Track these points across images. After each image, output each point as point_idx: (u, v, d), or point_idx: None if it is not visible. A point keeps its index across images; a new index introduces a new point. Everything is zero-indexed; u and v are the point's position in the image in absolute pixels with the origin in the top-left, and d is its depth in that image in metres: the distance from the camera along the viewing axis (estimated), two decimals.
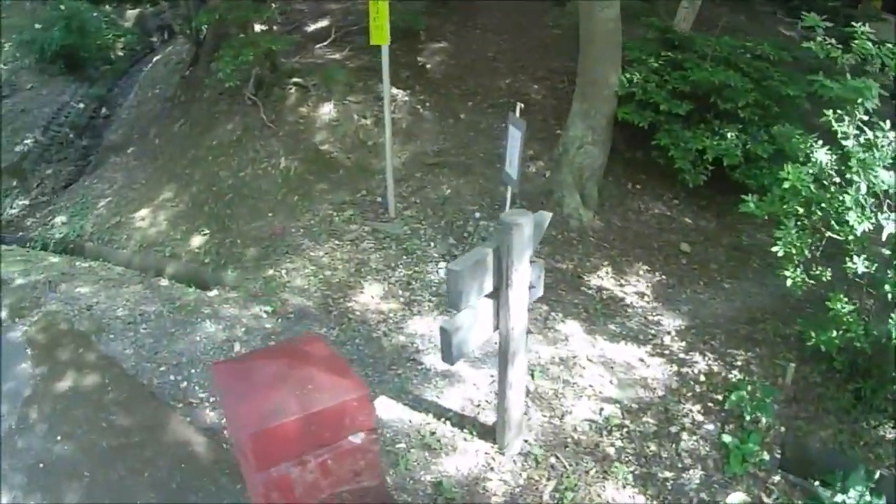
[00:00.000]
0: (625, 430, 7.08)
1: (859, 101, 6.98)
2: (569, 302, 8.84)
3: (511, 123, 8.52)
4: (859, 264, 6.45)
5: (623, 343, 8.13)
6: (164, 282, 9.99)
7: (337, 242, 9.88)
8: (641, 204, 10.83)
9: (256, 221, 10.78)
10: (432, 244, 9.73)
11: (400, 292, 9.00)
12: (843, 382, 7.25)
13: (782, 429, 6.85)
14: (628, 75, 10.26)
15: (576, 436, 6.86)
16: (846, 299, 6.46)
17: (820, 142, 7.03)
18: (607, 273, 9.42)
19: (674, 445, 6.77)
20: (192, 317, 8.51)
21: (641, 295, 9.11)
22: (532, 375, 7.60)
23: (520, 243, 5.54)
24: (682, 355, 7.97)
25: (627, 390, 7.59)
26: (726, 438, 6.71)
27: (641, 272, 9.51)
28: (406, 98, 12.71)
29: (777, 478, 6.44)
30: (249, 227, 10.69)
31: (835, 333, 6.46)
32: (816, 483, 6.29)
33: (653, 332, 8.43)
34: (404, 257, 9.55)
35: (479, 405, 7.28)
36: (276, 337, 8.18)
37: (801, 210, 7.01)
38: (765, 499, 6.29)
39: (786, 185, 6.81)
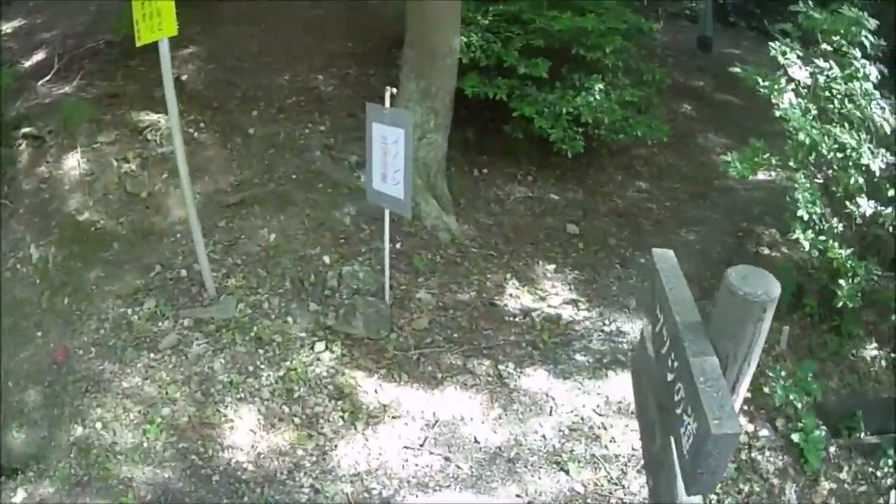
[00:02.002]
0: None
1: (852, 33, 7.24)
2: (508, 342, 7.42)
3: (374, 119, 6.65)
4: (865, 205, 6.74)
5: (618, 373, 7.17)
6: None
7: (153, 356, 6.97)
8: (498, 191, 9.74)
9: (24, 348, 7.28)
10: (289, 319, 7.36)
11: (286, 409, 6.64)
12: (819, 325, 7.72)
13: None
14: (465, 38, 8.94)
15: None
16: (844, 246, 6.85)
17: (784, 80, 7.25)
18: (517, 288, 8.16)
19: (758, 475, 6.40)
20: None
21: (574, 303, 8.09)
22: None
23: None
24: None
25: None
26: (794, 437, 6.59)
27: (549, 274, 8.50)
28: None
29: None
30: (18, 360, 7.16)
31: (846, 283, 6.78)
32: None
33: (626, 345, 7.52)
34: (260, 351, 7.06)
35: None
36: None
37: (810, 159, 7.05)
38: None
39: (800, 136, 6.72)
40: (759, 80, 7.17)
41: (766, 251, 9.50)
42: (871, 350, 7.73)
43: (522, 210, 9.45)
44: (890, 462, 6.51)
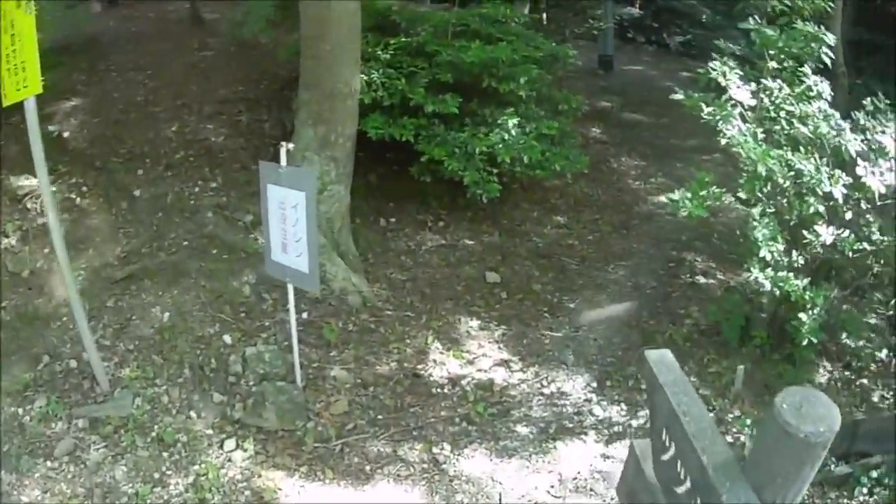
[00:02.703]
0: None
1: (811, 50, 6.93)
2: (440, 419, 6.73)
3: (270, 180, 6.02)
4: (825, 234, 6.42)
5: (567, 444, 6.56)
6: None
7: (50, 465, 5.96)
8: (409, 241, 9.17)
9: None
10: (192, 414, 6.47)
11: None
12: (771, 354, 7.47)
13: None
14: (365, 76, 8.44)
15: None
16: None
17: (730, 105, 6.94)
18: (441, 352, 7.52)
19: None
20: None
21: (506, 364, 7.50)
22: None
23: None
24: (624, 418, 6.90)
25: None
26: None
27: (474, 331, 7.92)
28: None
29: None
30: None
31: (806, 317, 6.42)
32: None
33: (571, 407, 6.99)
34: (165, 455, 6.13)
35: None
36: None
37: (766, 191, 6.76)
38: None
39: (759, 168, 6.33)
40: (703, 107, 6.82)
41: (702, 280, 9.26)
42: (824, 374, 7.57)
43: (437, 260, 8.89)
44: (864, 490, 6.24)
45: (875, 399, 7.32)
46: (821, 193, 6.28)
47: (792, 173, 6.32)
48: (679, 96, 7.15)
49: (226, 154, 9.29)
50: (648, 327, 8.07)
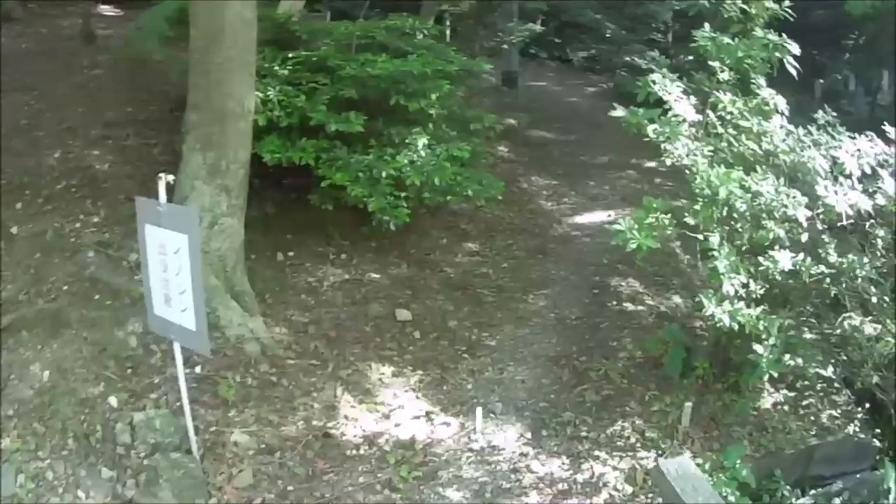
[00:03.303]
0: None
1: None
2: (358, 486, 5.95)
3: (148, 220, 5.27)
4: (785, 260, 5.90)
5: None
6: None
7: None
8: (310, 277, 8.41)
9: None
10: (80, 494, 5.52)
11: None
12: (715, 384, 7.10)
13: None
14: (260, 94, 7.71)
15: None
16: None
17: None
18: (352, 405, 6.79)
19: None
20: None
21: (427, 416, 6.81)
22: None
23: None
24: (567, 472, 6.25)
25: None
26: None
27: (387, 379, 7.23)
28: None
29: None
30: None
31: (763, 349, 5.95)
32: None
33: (506, 464, 6.31)
34: None
35: None
36: None
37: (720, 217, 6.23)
38: None
39: (721, 193, 5.86)
40: (648, 123, 6.27)
41: (631, 306, 8.83)
42: (769, 398, 7.24)
43: (341, 298, 8.18)
44: None
45: (824, 419, 7.08)
46: (777, 217, 5.88)
47: (748, 195, 5.87)
48: (619, 113, 6.52)
49: (110, 183, 8.39)
50: (580, 364, 7.54)
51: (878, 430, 7.02)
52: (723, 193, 5.68)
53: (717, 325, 5.78)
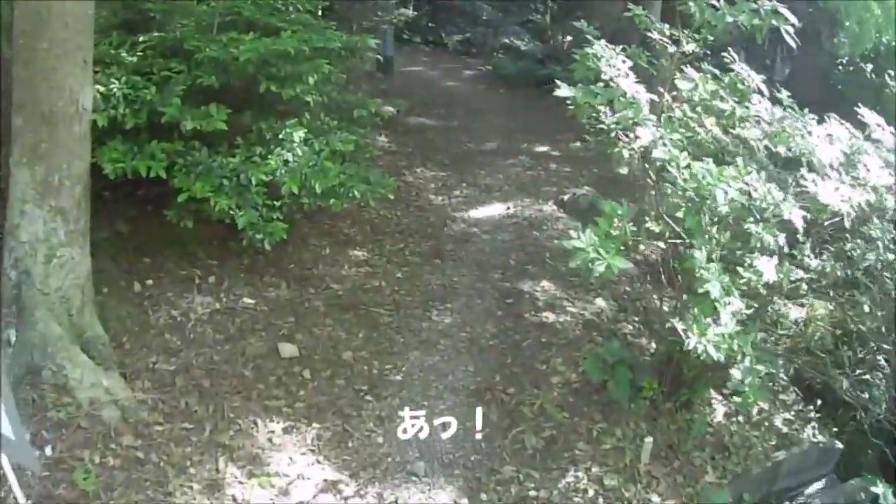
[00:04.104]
0: None
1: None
2: None
3: None
4: (769, 272, 4.98)
5: None
6: None
7: None
8: (174, 310, 6.90)
9: None
10: None
11: None
12: (664, 404, 6.43)
13: None
14: (101, 88, 6.25)
15: None
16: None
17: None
18: (239, 480, 5.44)
19: None
20: None
21: (333, 487, 5.54)
22: None
23: None
24: None
25: None
26: None
27: (278, 438, 5.86)
28: None
29: None
30: None
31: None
32: None
33: None
34: None
35: None
36: None
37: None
38: None
39: (718, 196, 4.82)
40: (601, 108, 5.01)
41: (551, 316, 7.81)
42: (720, 407, 6.71)
43: (212, 334, 6.74)
44: None
45: (779, 424, 6.69)
46: (769, 219, 4.92)
47: (744, 197, 4.84)
48: (565, 92, 5.27)
49: None
50: (509, 398, 6.44)
51: (835, 430, 6.89)
52: (720, 197, 4.56)
53: (701, 357, 4.71)
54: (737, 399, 5.25)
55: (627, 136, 5.03)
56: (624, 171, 11.12)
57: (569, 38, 18.29)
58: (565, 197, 10.41)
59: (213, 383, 6.16)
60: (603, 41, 5.41)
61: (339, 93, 8.32)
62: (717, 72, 5.86)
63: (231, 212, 6.44)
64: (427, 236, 9.06)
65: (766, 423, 6.64)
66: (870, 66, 13.10)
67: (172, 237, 7.21)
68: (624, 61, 5.31)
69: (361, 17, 12.87)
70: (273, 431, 5.80)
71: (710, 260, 4.73)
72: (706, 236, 4.95)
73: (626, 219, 4.80)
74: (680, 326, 4.70)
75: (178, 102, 6.38)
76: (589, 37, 5.52)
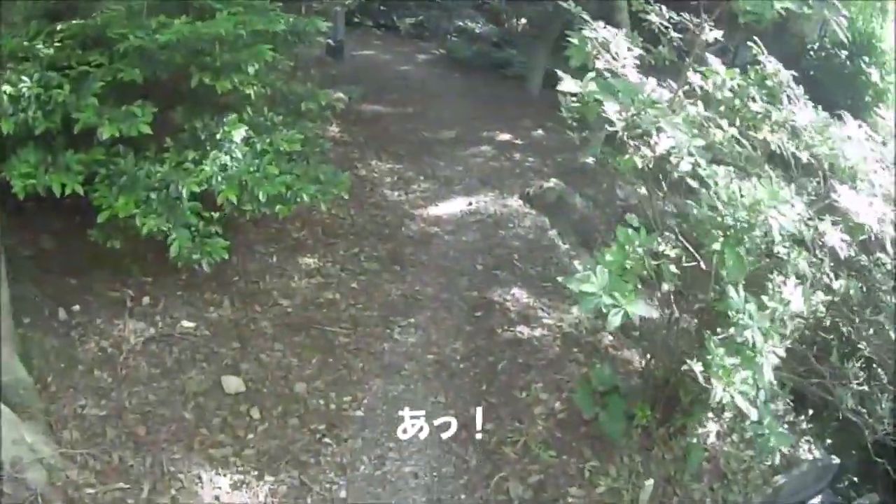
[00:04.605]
0: None
1: None
2: None
3: None
4: (796, 299, 4.29)
5: None
6: None
7: None
8: (104, 341, 6.02)
9: None
10: None
11: None
12: (658, 430, 5.83)
13: None
14: (8, 88, 5.33)
15: None
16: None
17: None
18: None
19: None
20: None
21: None
22: None
23: None
24: None
25: None
26: None
27: (228, 497, 5.11)
28: None
29: None
30: None
31: None
32: None
33: None
34: None
35: None
36: None
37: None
38: None
39: (772, 223, 4.03)
40: (612, 106, 4.17)
41: (527, 331, 7.05)
42: (711, 425, 6.21)
43: (148, 369, 5.87)
44: None
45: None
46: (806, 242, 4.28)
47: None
48: (571, 86, 4.37)
49: None
50: (489, 437, 5.70)
51: (829, 442, 6.62)
52: (776, 229, 3.76)
53: (720, 403, 3.97)
54: (759, 442, 4.53)
55: (644, 141, 4.20)
56: (590, 160, 10.47)
57: (523, 20, 17.95)
58: (531, 190, 9.70)
59: (149, 430, 5.33)
60: (601, 23, 4.63)
61: (284, 83, 7.44)
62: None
63: (161, 230, 5.58)
64: (384, 238, 8.23)
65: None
66: (844, 53, 12.67)
67: (102, 252, 6.26)
68: (629, 49, 4.51)
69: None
70: (220, 487, 5.04)
71: (748, 299, 3.97)
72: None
73: (646, 245, 4.00)
74: (698, 369, 3.97)
75: (94, 103, 5.42)
76: (584, 17, 4.71)
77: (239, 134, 6.11)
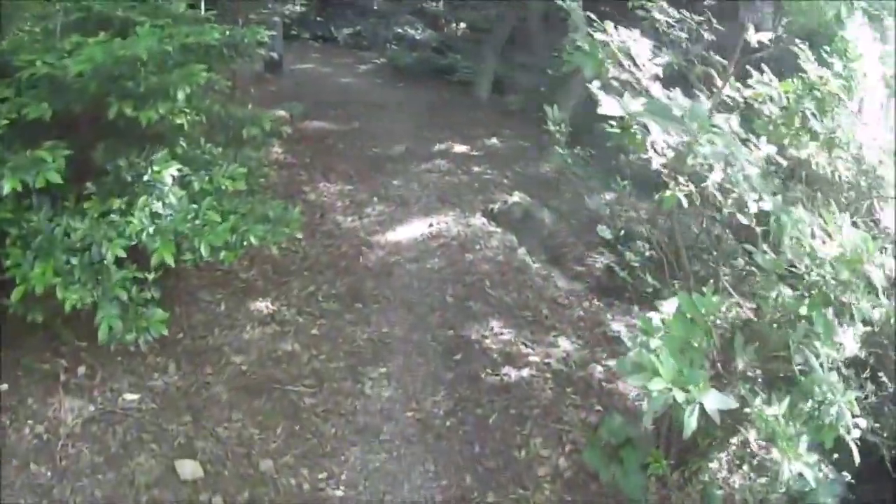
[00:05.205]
0: None
1: None
2: None
3: None
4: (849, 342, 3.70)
5: None
6: None
7: None
8: (39, 425, 5.13)
9: None
10: None
11: None
12: (671, 475, 5.08)
13: None
14: None
15: None
16: None
17: None
18: None
19: None
20: None
21: None
22: None
23: None
24: None
25: None
26: None
27: None
28: None
29: None
30: None
31: None
32: None
33: None
34: None
35: None
36: None
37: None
38: None
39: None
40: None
41: (514, 372, 6.32)
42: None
43: (89, 455, 4.95)
44: None
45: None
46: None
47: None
48: (614, 109, 3.49)
49: None
50: None
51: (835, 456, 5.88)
52: (877, 281, 3.01)
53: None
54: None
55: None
56: (548, 167, 9.85)
57: (462, 24, 17.79)
58: (495, 206, 8.97)
59: None
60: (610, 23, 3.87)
61: (222, 106, 6.50)
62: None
63: (86, 305, 4.71)
64: (341, 272, 7.40)
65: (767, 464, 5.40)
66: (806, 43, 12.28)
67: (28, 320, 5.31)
68: (651, 58, 3.76)
69: (249, 9, 11.09)
70: None
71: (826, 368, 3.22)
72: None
73: (714, 311, 3.22)
74: (752, 437, 3.28)
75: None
76: (581, 13, 3.94)
77: (170, 173, 5.20)
